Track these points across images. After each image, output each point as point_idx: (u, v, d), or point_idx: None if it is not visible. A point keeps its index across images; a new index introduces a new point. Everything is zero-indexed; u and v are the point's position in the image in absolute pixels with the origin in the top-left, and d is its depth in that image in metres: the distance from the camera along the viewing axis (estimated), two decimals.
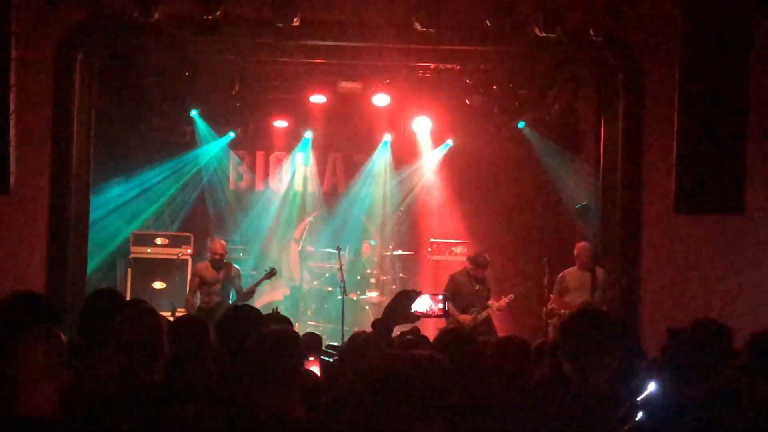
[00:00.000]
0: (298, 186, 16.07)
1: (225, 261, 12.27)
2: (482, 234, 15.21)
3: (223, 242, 12.51)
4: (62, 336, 4.27)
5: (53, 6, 10.20)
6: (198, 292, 12.17)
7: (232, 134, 15.45)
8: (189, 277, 13.17)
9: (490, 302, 11.89)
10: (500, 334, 11.35)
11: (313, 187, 16.10)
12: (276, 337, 4.25)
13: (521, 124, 14.85)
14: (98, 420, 4.00)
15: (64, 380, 4.01)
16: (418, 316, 4.17)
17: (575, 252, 11.67)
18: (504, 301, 11.95)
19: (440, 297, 4.26)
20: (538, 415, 4.08)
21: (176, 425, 4.09)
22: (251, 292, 12.23)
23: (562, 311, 11.17)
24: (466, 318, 11.61)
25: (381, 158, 16.04)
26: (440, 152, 15.86)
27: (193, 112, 14.83)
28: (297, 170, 16.02)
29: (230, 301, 12.08)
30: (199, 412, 4.13)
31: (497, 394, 4.82)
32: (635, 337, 5.03)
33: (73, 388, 4.11)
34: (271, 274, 12.46)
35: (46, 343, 4.04)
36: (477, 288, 11.82)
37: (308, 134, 15.66)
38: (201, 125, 15.04)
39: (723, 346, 5.02)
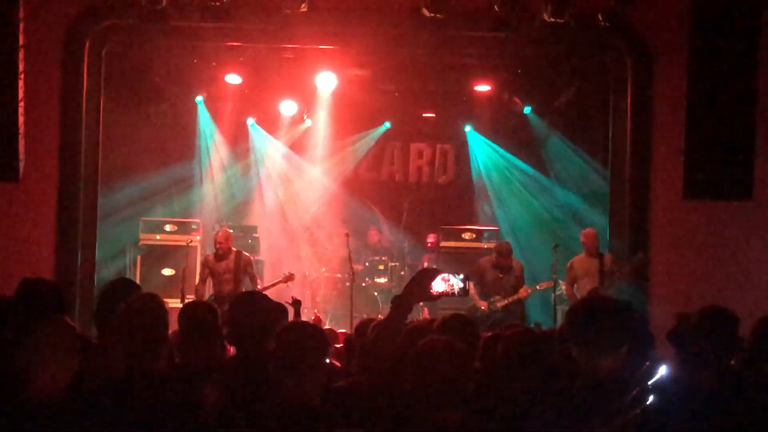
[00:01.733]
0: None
1: (235, 249, 12.21)
2: (492, 220, 15.25)
3: (227, 231, 12.43)
4: (73, 324, 4.32)
5: None
6: (209, 282, 12.16)
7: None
8: (199, 265, 13.09)
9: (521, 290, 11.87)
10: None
11: (320, 173, 16.15)
12: (306, 330, 4.27)
13: (527, 110, 14.85)
14: (105, 405, 4.04)
15: (74, 366, 4.07)
16: (438, 295, 4.16)
17: (582, 239, 11.67)
18: (523, 293, 11.91)
19: (461, 276, 4.24)
20: (549, 400, 4.09)
21: (184, 411, 4.11)
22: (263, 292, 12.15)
23: (571, 299, 11.23)
24: (482, 304, 11.68)
25: (386, 143, 16.10)
26: (463, 138, 15.84)
27: (199, 99, 14.82)
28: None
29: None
30: (214, 396, 4.16)
31: (504, 381, 4.83)
32: (644, 322, 5.04)
33: (83, 373, 4.16)
34: (289, 278, 12.35)
35: (59, 331, 4.11)
36: (500, 277, 11.83)
37: (308, 122, 15.66)
38: (203, 114, 15.01)
39: (730, 333, 5.04)
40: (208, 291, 12.17)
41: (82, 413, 3.98)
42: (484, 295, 11.76)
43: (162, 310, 4.48)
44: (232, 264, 11.91)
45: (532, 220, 15.09)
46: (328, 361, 5.87)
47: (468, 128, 15.66)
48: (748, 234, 11.12)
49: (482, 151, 15.69)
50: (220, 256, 11.99)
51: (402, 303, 4.09)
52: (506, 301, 11.71)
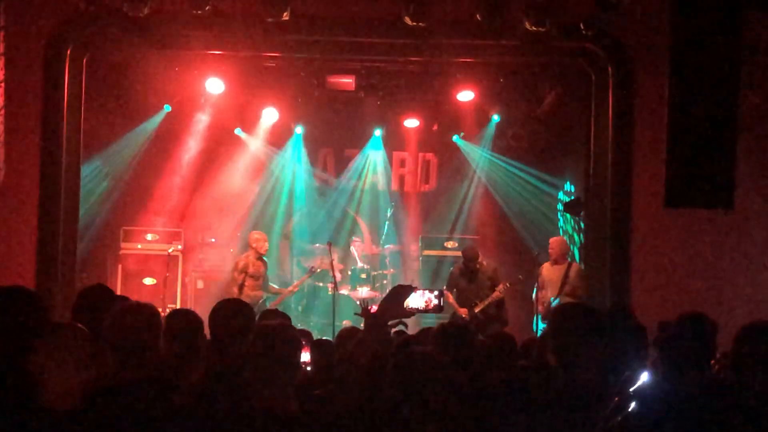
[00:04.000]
0: (290, 181, 16.09)
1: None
2: (474, 228, 15.26)
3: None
4: (87, 332, 4.28)
5: None
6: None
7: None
8: (235, 272, 12.66)
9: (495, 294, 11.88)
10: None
11: (305, 182, 16.12)
12: (275, 332, 4.21)
13: (496, 119, 14.94)
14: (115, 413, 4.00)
15: (89, 375, 4.02)
16: (412, 312, 4.13)
17: (549, 247, 11.75)
18: (497, 293, 11.90)
19: (436, 292, 4.22)
20: (529, 409, 4.08)
21: (170, 420, 4.08)
22: (293, 291, 12.36)
23: (540, 306, 11.42)
24: (463, 311, 11.70)
25: (373, 153, 16.05)
26: (448, 147, 15.79)
27: (167, 107, 14.65)
28: (290, 166, 16.01)
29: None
30: (192, 406, 4.12)
31: (490, 388, 4.82)
32: (638, 327, 5.04)
33: (96, 382, 4.11)
34: (312, 271, 12.92)
35: (72, 339, 4.06)
36: (472, 281, 11.86)
37: (299, 129, 15.63)
38: (155, 120, 14.83)
39: (708, 340, 5.05)
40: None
41: (96, 422, 3.93)
42: (462, 302, 11.79)
43: (152, 318, 4.45)
44: (264, 269, 12.02)
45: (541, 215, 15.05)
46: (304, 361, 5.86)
47: (455, 137, 15.66)
48: (730, 242, 11.17)
49: (478, 158, 15.66)
50: (261, 258, 12.05)
51: (376, 320, 4.03)
52: (482, 305, 11.73)
